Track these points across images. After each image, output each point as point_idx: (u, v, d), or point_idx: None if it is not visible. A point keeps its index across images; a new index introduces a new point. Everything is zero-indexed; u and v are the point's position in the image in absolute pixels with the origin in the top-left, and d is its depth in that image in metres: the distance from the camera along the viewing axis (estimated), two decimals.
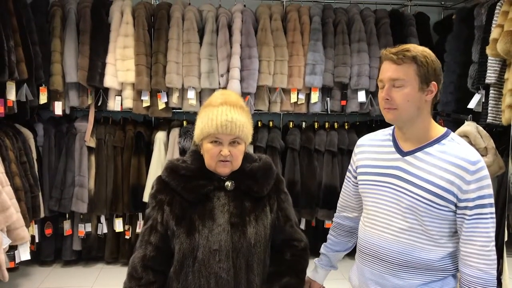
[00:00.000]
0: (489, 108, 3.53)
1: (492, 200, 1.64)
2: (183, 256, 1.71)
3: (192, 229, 1.70)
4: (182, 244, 1.70)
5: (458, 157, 1.63)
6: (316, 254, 2.13)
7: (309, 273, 2.03)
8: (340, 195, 2.06)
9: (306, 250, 1.89)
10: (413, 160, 1.69)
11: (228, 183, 1.75)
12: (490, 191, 1.63)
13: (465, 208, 1.63)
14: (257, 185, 1.78)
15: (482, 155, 3.34)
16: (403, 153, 1.72)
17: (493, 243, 1.64)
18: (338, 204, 2.08)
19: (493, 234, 1.64)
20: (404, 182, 1.70)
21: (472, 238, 1.63)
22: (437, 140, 1.69)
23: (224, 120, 1.66)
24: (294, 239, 1.87)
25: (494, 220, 1.65)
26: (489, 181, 1.63)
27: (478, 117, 3.70)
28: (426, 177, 1.65)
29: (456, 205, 1.64)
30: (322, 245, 2.10)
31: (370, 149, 1.85)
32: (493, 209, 1.64)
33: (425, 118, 1.69)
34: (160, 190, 1.77)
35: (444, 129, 1.73)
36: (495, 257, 1.65)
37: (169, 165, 1.80)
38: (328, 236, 2.10)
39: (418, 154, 1.69)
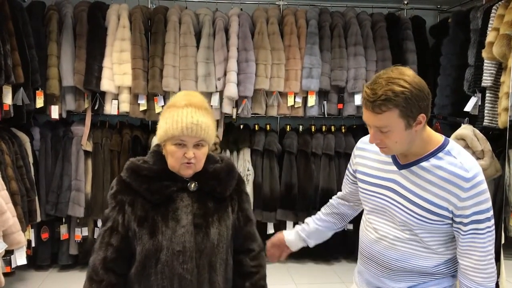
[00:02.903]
0: (486, 111, 3.54)
1: (489, 214, 1.60)
2: (145, 257, 1.70)
3: (155, 230, 1.69)
4: (144, 245, 1.69)
5: (452, 173, 1.59)
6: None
7: (286, 233, 2.09)
8: (342, 188, 2.09)
9: (263, 251, 1.92)
10: (408, 174, 1.67)
11: (191, 184, 1.75)
12: (488, 205, 1.59)
13: (460, 223, 1.61)
14: (221, 186, 1.79)
15: (479, 158, 3.35)
16: (400, 166, 1.70)
17: (491, 257, 1.62)
18: (339, 192, 2.12)
19: (491, 248, 1.62)
20: (399, 196, 1.69)
21: (468, 252, 1.62)
22: (434, 153, 1.64)
23: (189, 122, 1.64)
24: (252, 240, 1.89)
25: (493, 233, 1.62)
26: (486, 195, 1.59)
27: (475, 120, 3.71)
28: (420, 193, 1.64)
29: (452, 219, 1.62)
30: (308, 217, 2.14)
31: (370, 155, 1.83)
32: (490, 223, 1.60)
33: (420, 139, 1.64)
34: (121, 190, 1.74)
35: (442, 140, 1.68)
36: (493, 270, 1.63)
37: (130, 165, 1.77)
38: (318, 212, 2.14)
39: (414, 168, 1.66)
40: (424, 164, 1.64)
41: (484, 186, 1.60)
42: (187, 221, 1.71)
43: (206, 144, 1.73)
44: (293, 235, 2.10)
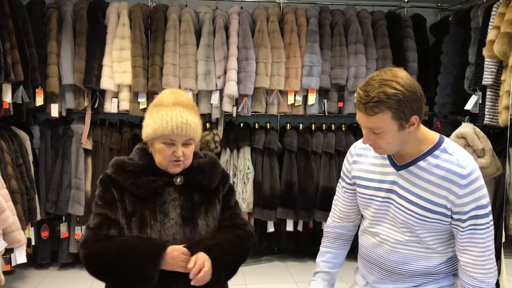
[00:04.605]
0: (486, 110, 3.54)
1: (487, 210, 1.60)
2: None
3: (143, 224, 1.71)
4: None
5: (449, 170, 1.59)
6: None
7: None
8: (336, 204, 1.97)
9: (252, 233, 1.90)
10: (407, 174, 1.67)
11: (177, 178, 1.77)
12: (486, 200, 1.59)
13: (459, 220, 1.61)
14: (206, 179, 1.82)
15: (479, 157, 3.35)
16: (397, 167, 1.69)
17: (490, 252, 1.62)
18: (335, 214, 1.97)
19: (490, 243, 1.61)
20: (399, 197, 1.68)
21: (467, 248, 1.62)
22: (430, 152, 1.64)
23: (179, 122, 1.67)
24: (240, 224, 1.89)
25: (491, 229, 1.62)
26: (483, 191, 1.59)
27: (475, 118, 3.71)
28: (419, 193, 1.63)
29: (451, 216, 1.62)
30: (321, 263, 1.96)
31: (366, 160, 1.80)
32: (489, 219, 1.60)
33: (415, 139, 1.62)
34: (108, 187, 1.75)
35: (437, 138, 1.67)
36: (493, 266, 1.63)
37: (115, 161, 1.80)
38: (326, 250, 1.97)
39: (412, 168, 1.65)
40: (421, 163, 1.64)
41: (481, 182, 1.60)
42: (175, 214, 1.74)
43: (194, 142, 1.76)
44: None
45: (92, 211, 1.81)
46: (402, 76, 1.54)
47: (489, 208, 1.61)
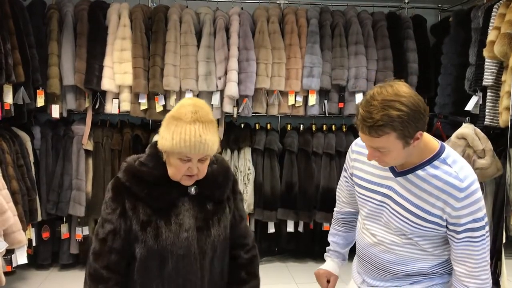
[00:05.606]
0: (487, 110, 3.54)
1: (484, 222, 1.59)
2: (147, 260, 1.72)
3: (158, 235, 1.70)
4: (147, 250, 1.71)
5: (447, 183, 1.58)
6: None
7: (327, 265, 2.05)
8: (341, 190, 2.05)
9: (255, 246, 1.97)
10: (404, 182, 1.66)
11: (191, 189, 1.76)
12: (482, 213, 1.59)
13: (454, 231, 1.61)
14: (219, 190, 1.82)
15: (480, 157, 3.35)
16: (396, 173, 1.68)
17: (485, 263, 1.62)
18: (340, 199, 2.07)
19: (485, 255, 1.61)
20: (395, 203, 1.68)
21: (462, 259, 1.62)
22: (429, 161, 1.62)
23: (198, 142, 1.63)
24: (245, 236, 1.94)
25: (487, 240, 1.61)
26: (481, 204, 1.59)
27: (476, 119, 3.71)
28: (415, 201, 1.63)
29: (446, 226, 1.63)
30: (333, 243, 2.09)
31: (366, 159, 1.78)
32: (485, 231, 1.60)
33: (417, 149, 1.61)
34: (122, 194, 1.73)
35: (437, 147, 1.65)
36: (487, 276, 1.63)
37: (128, 168, 1.76)
38: (336, 232, 2.09)
39: (410, 176, 1.65)
40: (419, 172, 1.63)
41: (479, 194, 1.59)
42: (189, 225, 1.73)
43: (210, 157, 1.74)
44: (337, 266, 2.08)
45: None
46: (404, 94, 1.49)
47: (486, 220, 1.61)
